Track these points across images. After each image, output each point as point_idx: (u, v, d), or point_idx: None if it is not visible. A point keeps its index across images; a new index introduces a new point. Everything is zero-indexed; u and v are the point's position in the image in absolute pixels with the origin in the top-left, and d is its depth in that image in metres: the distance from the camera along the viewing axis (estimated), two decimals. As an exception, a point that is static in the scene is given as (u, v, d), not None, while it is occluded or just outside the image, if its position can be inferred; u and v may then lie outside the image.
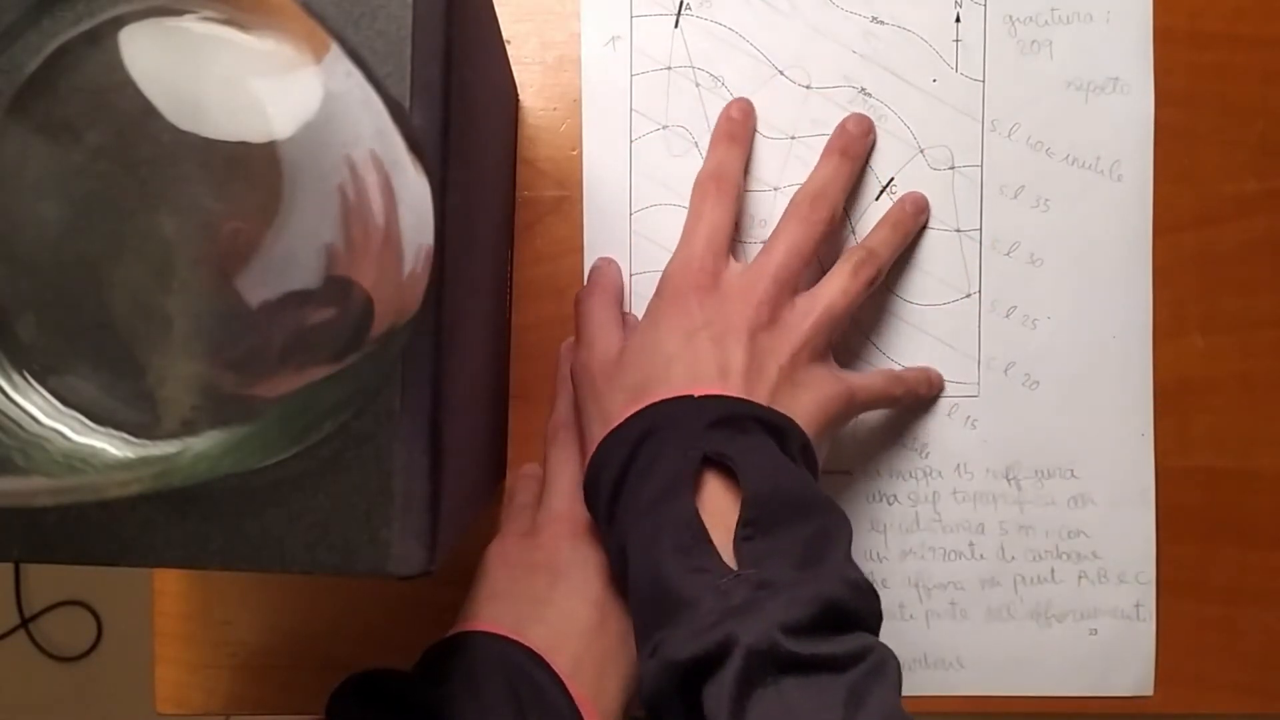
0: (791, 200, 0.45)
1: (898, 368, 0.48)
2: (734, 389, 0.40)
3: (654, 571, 0.36)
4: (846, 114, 0.47)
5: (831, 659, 0.33)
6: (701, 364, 0.41)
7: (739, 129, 0.46)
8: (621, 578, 0.40)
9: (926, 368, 0.48)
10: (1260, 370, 0.48)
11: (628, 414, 0.40)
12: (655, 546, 0.37)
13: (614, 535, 0.40)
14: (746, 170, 0.47)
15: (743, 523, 0.37)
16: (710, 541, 0.36)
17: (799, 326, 0.43)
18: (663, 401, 0.40)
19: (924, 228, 0.48)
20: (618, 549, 0.39)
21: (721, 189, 0.45)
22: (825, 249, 0.45)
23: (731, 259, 0.45)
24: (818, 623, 0.34)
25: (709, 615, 0.34)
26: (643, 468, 0.39)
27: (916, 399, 0.47)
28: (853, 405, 0.44)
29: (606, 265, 0.48)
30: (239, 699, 0.49)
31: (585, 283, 0.48)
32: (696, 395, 0.40)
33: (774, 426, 0.40)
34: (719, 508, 0.38)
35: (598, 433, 0.42)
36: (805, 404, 0.42)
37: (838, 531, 0.38)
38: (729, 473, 0.38)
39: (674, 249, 0.47)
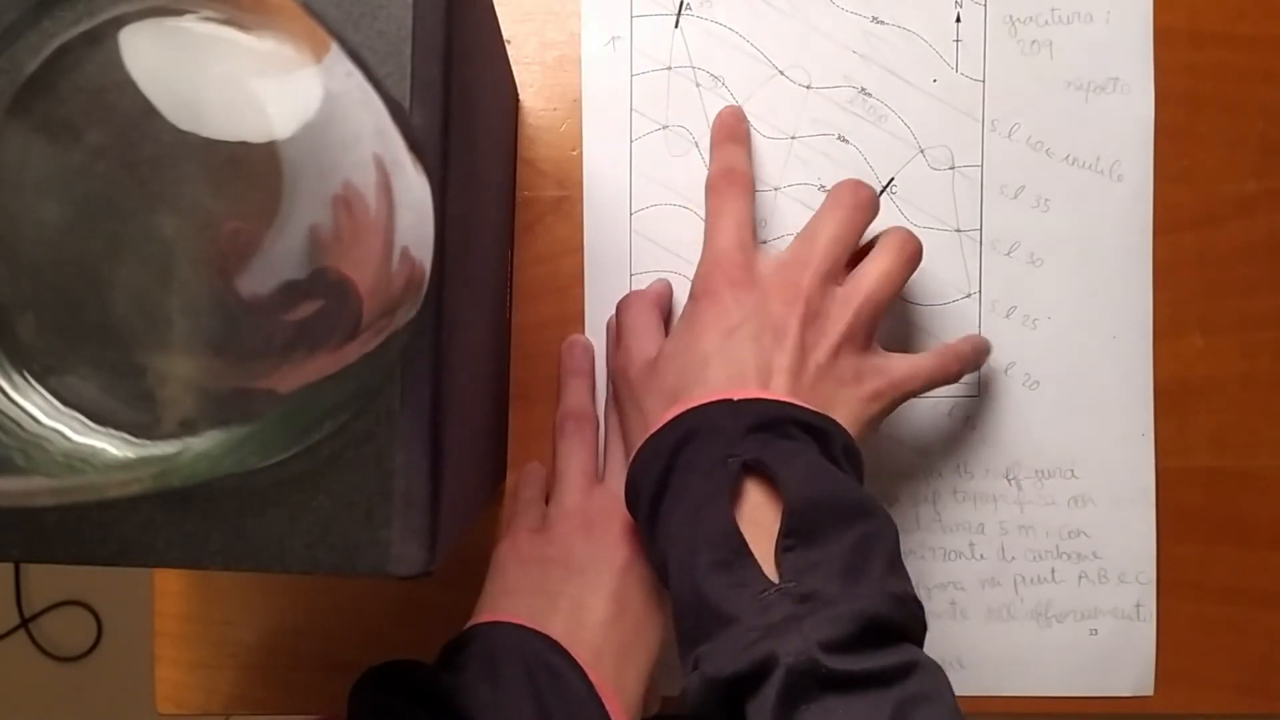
0: (834, 187, 0.43)
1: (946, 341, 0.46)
2: (774, 389, 0.39)
3: (694, 585, 0.36)
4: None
5: (875, 675, 0.32)
6: (740, 364, 0.40)
7: (736, 129, 0.46)
8: (665, 583, 0.39)
9: (973, 338, 0.46)
10: (1260, 370, 0.48)
11: (666, 418, 0.40)
12: (695, 559, 0.36)
13: (657, 544, 0.39)
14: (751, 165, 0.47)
15: (784, 533, 0.36)
16: (750, 554, 0.36)
17: (841, 319, 0.41)
18: (701, 406, 0.39)
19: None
20: (659, 557, 0.39)
21: (735, 184, 0.44)
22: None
23: (761, 251, 0.44)
24: (859, 639, 0.33)
25: (750, 633, 0.34)
26: (682, 475, 0.38)
27: (975, 369, 0.46)
28: (897, 397, 0.42)
29: (656, 281, 0.47)
30: (239, 699, 0.49)
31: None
32: (735, 399, 0.39)
33: (815, 429, 0.38)
34: (760, 517, 0.37)
35: (638, 437, 0.41)
36: (847, 400, 0.40)
37: (882, 538, 0.37)
38: (770, 479, 0.37)
39: (673, 248, 0.47)
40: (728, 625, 0.35)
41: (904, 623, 0.35)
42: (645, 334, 0.45)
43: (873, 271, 0.42)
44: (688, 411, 0.39)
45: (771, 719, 0.32)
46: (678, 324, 0.44)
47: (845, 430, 0.39)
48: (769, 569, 0.36)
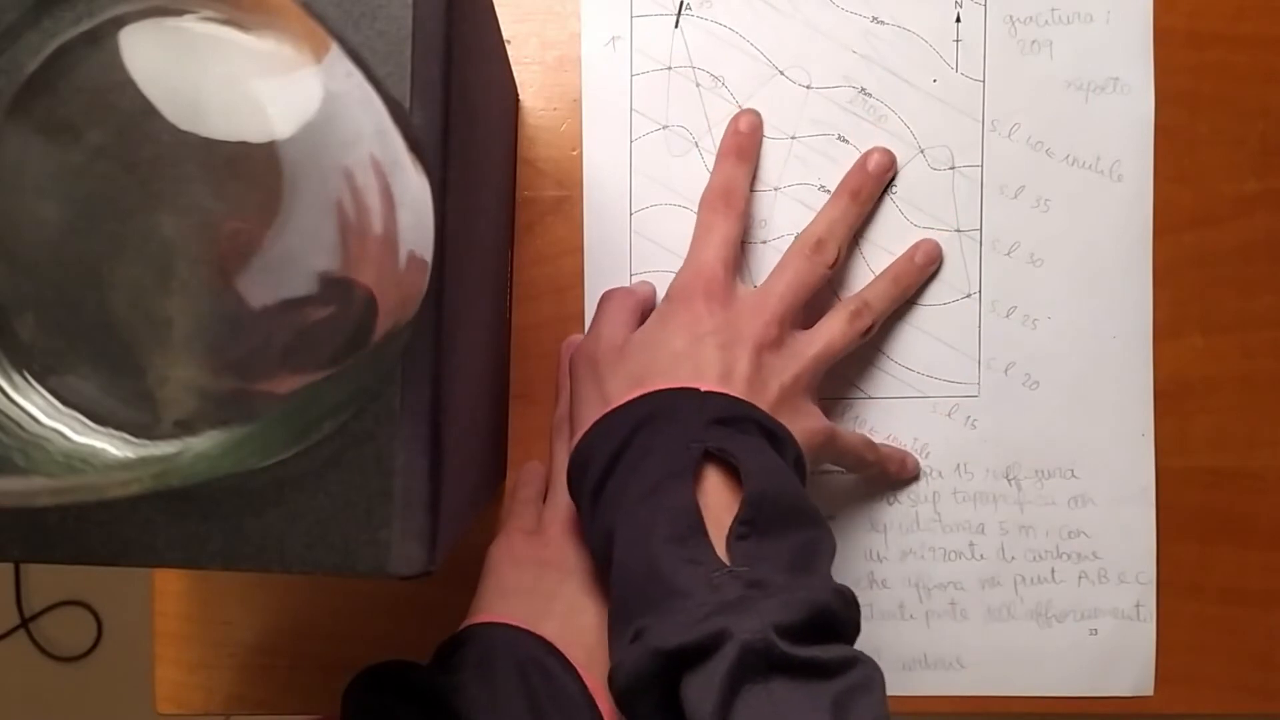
0: (797, 239, 0.46)
1: (877, 440, 0.47)
2: (736, 393, 0.40)
3: (645, 557, 0.36)
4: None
5: (821, 664, 0.33)
6: (706, 365, 0.41)
7: (746, 144, 0.46)
8: (603, 560, 0.39)
9: (905, 451, 0.48)
10: (1260, 370, 0.48)
11: (628, 397, 0.40)
12: (650, 533, 0.37)
13: (599, 517, 0.39)
14: (752, 183, 0.47)
15: (740, 520, 0.37)
16: (706, 533, 0.36)
17: (803, 354, 0.43)
18: (667, 390, 0.40)
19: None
20: (603, 531, 0.39)
21: (730, 205, 0.45)
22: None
23: (739, 279, 0.45)
24: (808, 628, 0.34)
25: (701, 607, 0.34)
26: (639, 453, 0.39)
27: (885, 475, 0.47)
28: (831, 447, 0.44)
29: (642, 283, 0.48)
30: (239, 699, 0.49)
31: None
32: (702, 389, 0.40)
33: (772, 433, 0.40)
34: (716, 503, 0.38)
35: (593, 414, 0.41)
36: (798, 429, 0.42)
37: (826, 545, 0.38)
38: (728, 470, 0.38)
39: (673, 248, 0.47)
40: (678, 599, 0.35)
41: (846, 621, 0.36)
42: (618, 324, 0.45)
43: (829, 328, 0.45)
44: (653, 393, 0.40)
45: (717, 694, 0.32)
46: (650, 320, 0.45)
47: (797, 443, 0.41)
48: (720, 553, 0.36)
